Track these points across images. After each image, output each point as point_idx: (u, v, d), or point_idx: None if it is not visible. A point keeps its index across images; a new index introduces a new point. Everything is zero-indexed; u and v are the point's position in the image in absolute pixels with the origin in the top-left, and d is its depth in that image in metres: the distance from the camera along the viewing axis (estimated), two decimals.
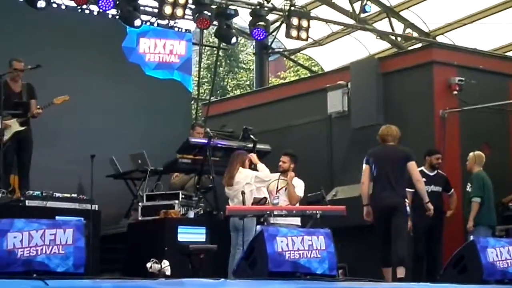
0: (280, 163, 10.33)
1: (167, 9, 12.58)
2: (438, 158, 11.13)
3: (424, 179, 10.81)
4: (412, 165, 9.61)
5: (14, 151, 10.15)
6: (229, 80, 28.61)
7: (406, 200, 9.60)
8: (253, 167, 10.51)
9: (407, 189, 10.26)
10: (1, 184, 9.73)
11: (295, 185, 10.20)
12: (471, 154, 11.23)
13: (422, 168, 11.06)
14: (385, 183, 9.51)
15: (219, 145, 11.22)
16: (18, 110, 10.12)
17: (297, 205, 10.15)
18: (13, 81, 10.22)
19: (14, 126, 10.09)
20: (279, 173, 10.34)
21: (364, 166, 9.69)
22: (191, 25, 14.32)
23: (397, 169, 9.53)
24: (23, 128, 10.15)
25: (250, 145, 11.25)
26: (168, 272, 8.67)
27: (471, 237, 9.36)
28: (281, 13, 14.60)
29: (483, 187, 10.91)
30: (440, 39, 17.39)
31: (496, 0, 16.22)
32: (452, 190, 11.18)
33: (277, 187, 10.23)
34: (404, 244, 9.36)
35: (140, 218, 10.67)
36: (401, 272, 9.22)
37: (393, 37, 17.41)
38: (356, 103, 13.18)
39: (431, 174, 11.04)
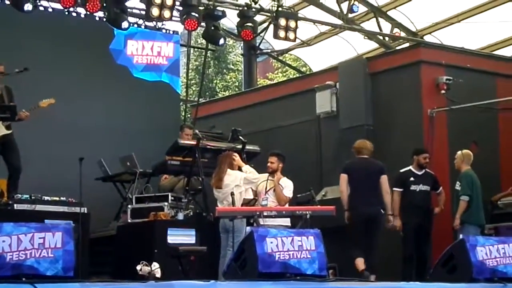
0: (268, 164, 10.34)
1: (155, 11, 12.55)
2: (426, 157, 11.15)
3: (412, 179, 10.94)
4: (384, 178, 10.36)
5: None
6: (218, 82, 28.59)
7: (382, 210, 10.24)
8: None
9: (395, 189, 10.64)
10: None
11: (284, 186, 10.20)
12: (459, 152, 11.26)
13: (410, 167, 11.09)
14: (362, 194, 10.22)
15: (208, 146, 11.21)
16: (5, 114, 10.05)
17: (286, 204, 10.15)
18: None
19: (1, 129, 9.99)
20: (267, 174, 10.34)
21: (342, 175, 10.41)
22: (179, 27, 14.31)
23: (372, 181, 10.29)
24: (9, 131, 10.04)
25: (239, 146, 11.24)
26: (158, 275, 8.65)
27: (460, 236, 9.39)
28: (268, 14, 14.60)
29: (472, 186, 10.93)
30: (427, 38, 17.43)
31: None
32: (441, 188, 11.21)
33: (266, 188, 10.22)
34: (376, 252, 10.17)
35: (129, 221, 10.64)
36: (372, 278, 9.77)
37: (381, 37, 17.44)
38: (345, 103, 13.19)
39: (419, 173, 11.06)
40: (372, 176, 10.29)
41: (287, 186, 10.25)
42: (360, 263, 9.94)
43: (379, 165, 10.47)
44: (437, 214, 11.10)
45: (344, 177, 10.36)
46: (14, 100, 10.17)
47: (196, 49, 24.41)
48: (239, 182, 10.07)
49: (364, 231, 10.12)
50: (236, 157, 10.45)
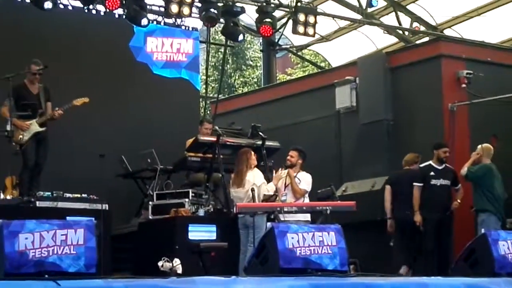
0: (288, 157, 10.35)
1: (174, 8, 12.60)
2: (446, 151, 11.12)
3: (432, 173, 10.96)
4: (414, 187, 11.01)
5: (33, 151, 10.15)
6: (237, 78, 28.60)
7: None
8: (262, 164, 10.51)
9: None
10: (23, 185, 9.78)
11: (301, 179, 10.20)
12: (479, 146, 11.21)
13: (430, 162, 11.07)
14: (398, 203, 11.11)
15: (227, 143, 11.21)
16: (26, 112, 10.13)
17: (306, 200, 10.15)
18: (30, 83, 10.26)
19: (34, 127, 10.09)
20: (286, 170, 10.32)
21: (386, 186, 11.39)
22: (198, 23, 14.32)
23: (407, 190, 11.01)
24: (42, 129, 10.16)
25: (259, 142, 11.24)
26: (179, 271, 8.68)
27: (482, 230, 9.35)
28: (287, 10, 14.59)
29: (478, 175, 10.91)
30: (447, 32, 17.35)
31: None
32: (459, 185, 11.17)
33: (285, 184, 10.22)
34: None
35: (150, 217, 10.67)
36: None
37: (401, 31, 17.37)
38: (364, 98, 13.17)
39: (440, 167, 11.04)
40: (405, 186, 11.07)
41: (304, 179, 10.24)
42: (402, 271, 10.76)
43: (412, 175, 11.10)
44: (455, 209, 11.06)
45: (387, 188, 11.34)
46: (51, 100, 10.27)
47: (214, 46, 24.41)
48: (258, 184, 10.04)
49: (404, 237, 11.07)
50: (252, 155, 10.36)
